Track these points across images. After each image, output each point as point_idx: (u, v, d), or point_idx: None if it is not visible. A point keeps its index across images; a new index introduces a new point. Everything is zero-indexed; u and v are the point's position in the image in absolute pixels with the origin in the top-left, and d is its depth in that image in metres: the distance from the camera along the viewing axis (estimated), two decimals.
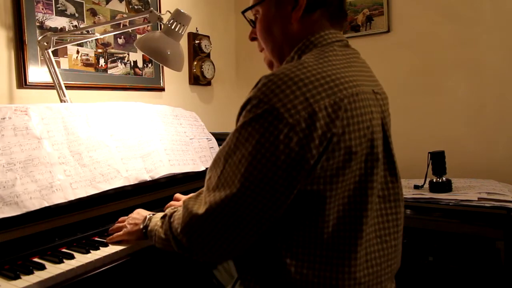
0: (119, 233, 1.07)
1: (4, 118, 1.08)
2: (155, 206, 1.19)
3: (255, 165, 0.71)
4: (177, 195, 1.22)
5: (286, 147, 0.70)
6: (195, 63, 2.37)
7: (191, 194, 1.21)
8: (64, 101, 1.51)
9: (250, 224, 0.74)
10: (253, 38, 0.96)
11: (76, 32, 1.65)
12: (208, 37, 2.44)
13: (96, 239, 1.09)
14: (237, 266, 0.86)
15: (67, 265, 0.91)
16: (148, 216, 1.02)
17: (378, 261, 0.80)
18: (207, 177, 0.82)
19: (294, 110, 0.70)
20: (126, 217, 1.11)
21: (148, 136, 1.42)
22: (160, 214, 0.96)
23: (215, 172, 0.79)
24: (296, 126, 0.69)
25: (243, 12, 0.92)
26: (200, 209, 0.78)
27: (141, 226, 1.01)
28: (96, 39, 1.83)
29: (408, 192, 1.72)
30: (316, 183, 0.73)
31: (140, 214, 1.08)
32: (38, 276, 0.86)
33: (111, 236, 1.08)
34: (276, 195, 0.72)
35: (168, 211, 0.93)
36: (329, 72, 0.75)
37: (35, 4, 1.59)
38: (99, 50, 1.86)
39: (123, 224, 1.09)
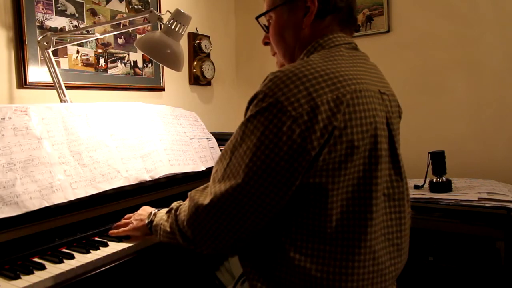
0: (125, 228, 1.09)
1: (4, 118, 1.08)
2: (155, 206, 1.19)
3: (259, 156, 0.74)
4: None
5: (289, 139, 0.72)
6: (195, 63, 2.37)
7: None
8: (64, 101, 1.51)
9: (253, 215, 0.76)
10: (266, 43, 0.99)
11: (76, 32, 1.65)
12: (208, 37, 2.44)
13: (96, 239, 1.09)
14: (240, 260, 0.88)
15: (67, 265, 0.91)
16: (153, 212, 1.05)
17: (381, 259, 0.80)
18: (213, 170, 0.84)
19: (297, 104, 0.72)
20: (132, 214, 1.13)
21: (148, 136, 1.42)
22: (166, 210, 0.99)
23: (221, 165, 0.81)
24: (298, 119, 0.72)
25: (257, 18, 0.95)
26: (206, 200, 0.80)
27: (146, 221, 1.04)
28: (96, 39, 1.83)
29: None
30: (318, 176, 0.74)
31: (145, 210, 1.11)
32: (38, 276, 0.86)
33: (117, 230, 1.10)
34: (278, 186, 0.74)
35: (174, 204, 0.95)
36: (333, 69, 0.77)
37: (35, 4, 1.59)
38: (99, 50, 1.86)
39: (129, 221, 1.11)
